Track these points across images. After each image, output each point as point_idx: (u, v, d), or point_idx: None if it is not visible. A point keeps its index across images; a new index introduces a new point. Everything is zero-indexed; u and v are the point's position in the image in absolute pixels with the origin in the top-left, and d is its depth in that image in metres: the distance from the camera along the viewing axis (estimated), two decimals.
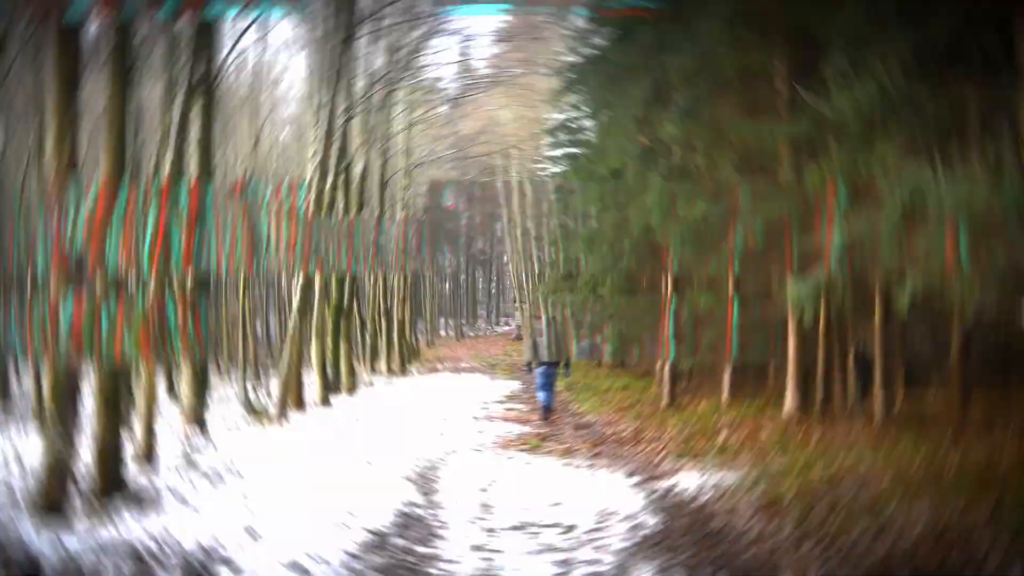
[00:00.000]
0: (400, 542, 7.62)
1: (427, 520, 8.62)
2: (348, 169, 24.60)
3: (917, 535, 6.78)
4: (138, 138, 22.53)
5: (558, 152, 34.93)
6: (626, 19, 15.63)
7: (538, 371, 17.00)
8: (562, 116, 33.40)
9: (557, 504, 9.03)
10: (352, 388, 24.94)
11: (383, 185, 31.52)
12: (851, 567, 6.28)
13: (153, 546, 6.65)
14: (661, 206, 16.67)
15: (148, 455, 10.84)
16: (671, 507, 9.09)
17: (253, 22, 21.71)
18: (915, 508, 7.50)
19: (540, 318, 19.61)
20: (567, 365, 17.85)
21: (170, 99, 15.42)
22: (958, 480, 8.40)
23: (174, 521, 8.17)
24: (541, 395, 17.21)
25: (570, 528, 7.97)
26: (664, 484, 10.35)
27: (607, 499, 9.35)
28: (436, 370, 38.21)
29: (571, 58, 26.21)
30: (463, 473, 11.25)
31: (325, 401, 21.22)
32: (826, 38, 10.98)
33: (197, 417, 14.38)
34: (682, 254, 18.44)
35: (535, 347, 17.20)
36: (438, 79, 35.14)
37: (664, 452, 12.58)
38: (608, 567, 6.69)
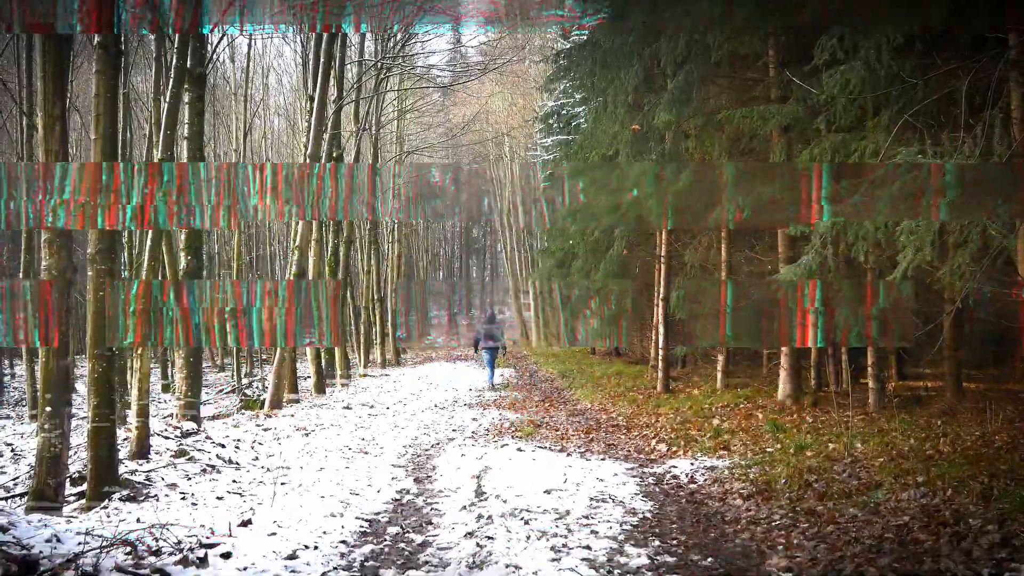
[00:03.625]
0: (393, 530, 7.64)
1: (421, 508, 8.64)
2: (340, 158, 24.57)
3: (908, 518, 6.82)
4: (129, 125, 22.50)
5: (550, 139, 34.90)
6: (617, 3, 15.59)
7: (484, 350, 23.40)
8: (554, 103, 33.40)
9: (550, 490, 9.04)
10: (347, 377, 24.95)
11: (375, 172, 31.46)
12: (843, 550, 6.31)
13: (147, 536, 6.65)
14: (655, 195, 16.69)
15: (142, 445, 10.83)
16: (664, 492, 9.12)
17: (242, 12, 21.65)
18: (907, 491, 7.55)
19: (484, 314, 26.34)
20: (503, 348, 24.54)
21: (161, 87, 15.38)
22: (949, 463, 8.44)
23: (168, 511, 8.18)
24: (487, 371, 23.54)
25: (563, 514, 7.99)
26: (657, 470, 10.38)
27: (600, 485, 9.37)
28: (430, 358, 38.27)
29: (562, 44, 26.20)
30: (456, 460, 11.27)
31: (320, 391, 21.24)
32: (816, 21, 10.95)
33: (191, 407, 14.38)
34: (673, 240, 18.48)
35: (480, 335, 23.81)
36: (430, 67, 35.05)
37: (657, 438, 12.61)
38: (601, 552, 6.70)
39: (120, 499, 8.65)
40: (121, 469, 9.37)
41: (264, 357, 37.03)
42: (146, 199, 8.34)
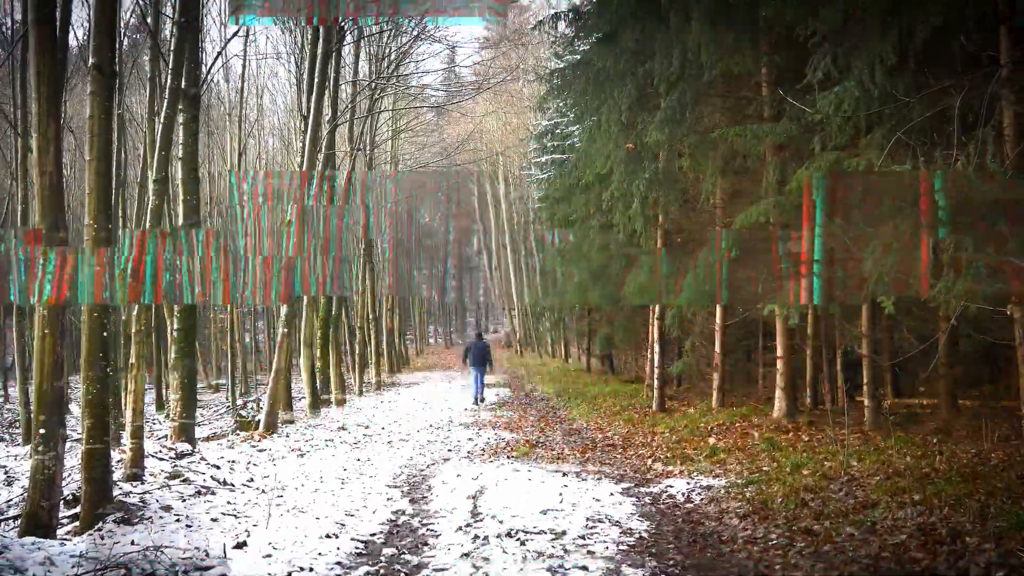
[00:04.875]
0: (389, 552, 7.61)
1: (417, 529, 8.60)
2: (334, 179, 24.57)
3: (905, 536, 6.81)
4: (124, 147, 22.52)
5: (544, 158, 34.94)
6: (610, 23, 15.64)
7: (472, 369, 24.39)
8: (547, 122, 33.46)
9: (547, 510, 9.01)
10: (342, 397, 24.90)
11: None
12: (840, 569, 6.29)
13: (141, 558, 6.62)
14: (644, 213, 16.73)
15: (136, 467, 10.78)
16: (660, 512, 9.09)
17: (237, 31, 21.72)
18: (903, 509, 7.53)
19: (471, 334, 25.63)
20: (490, 364, 25.15)
21: (156, 107, 15.40)
22: (945, 481, 8.43)
23: (163, 533, 8.14)
24: (474, 387, 24.17)
25: (560, 534, 7.97)
26: (653, 489, 10.36)
27: (596, 505, 9.35)
28: (426, 378, 38.20)
29: (556, 64, 26.31)
30: (452, 481, 11.23)
31: (315, 411, 21.19)
32: (809, 39, 10.98)
33: (186, 429, 14.33)
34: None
35: (467, 353, 25.09)
36: (424, 86, 35.11)
37: (653, 457, 12.59)
38: (597, 573, 6.68)
39: (114, 521, 8.60)
40: (115, 491, 9.31)
41: (259, 378, 36.98)
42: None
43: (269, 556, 7.18)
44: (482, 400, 24.04)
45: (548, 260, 32.42)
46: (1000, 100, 9.09)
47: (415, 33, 27.46)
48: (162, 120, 12.67)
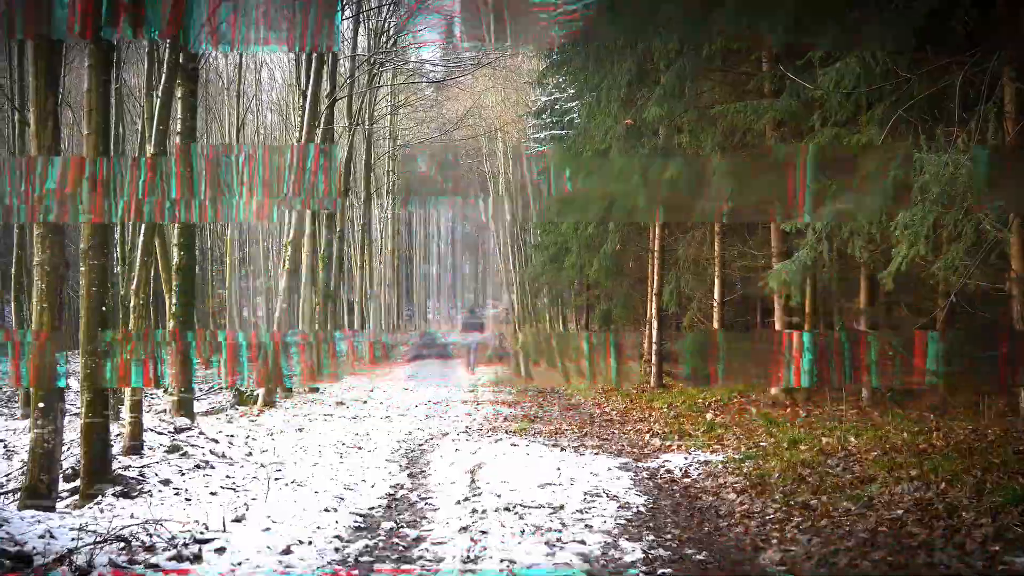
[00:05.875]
0: (388, 525, 7.63)
1: (415, 503, 8.63)
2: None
3: (902, 511, 6.83)
4: (122, 121, 22.42)
5: (544, 134, 34.79)
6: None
7: (467, 337, 25.36)
8: (547, 98, 33.26)
9: (545, 485, 9.04)
10: (339, 373, 24.92)
11: (368, 168, 31.41)
12: (837, 543, 6.31)
13: (140, 531, 6.64)
14: (644, 189, 16.65)
15: (135, 441, 10.79)
16: (658, 486, 9.12)
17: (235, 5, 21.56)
18: (900, 484, 7.55)
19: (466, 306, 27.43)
20: (481, 332, 27.70)
21: (154, 81, 15.33)
22: (942, 457, 8.45)
23: (162, 507, 8.16)
24: (468, 352, 26.06)
25: (558, 508, 7.99)
26: (651, 464, 10.39)
27: (594, 479, 9.38)
28: (422, 354, 38.25)
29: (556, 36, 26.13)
30: (450, 455, 11.26)
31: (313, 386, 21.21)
32: (810, 17, 10.91)
33: (184, 403, 14.35)
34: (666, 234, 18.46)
35: (463, 323, 27.48)
36: (422, 62, 34.93)
37: (651, 433, 12.62)
38: (595, 547, 6.70)
39: (114, 495, 8.62)
40: (114, 465, 9.34)
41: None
42: (132, 194, 8.40)
43: (268, 530, 7.19)
44: (474, 369, 26.76)
45: (545, 206, 33.13)
46: (1001, 77, 9.05)
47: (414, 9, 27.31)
48: (160, 94, 12.60)
